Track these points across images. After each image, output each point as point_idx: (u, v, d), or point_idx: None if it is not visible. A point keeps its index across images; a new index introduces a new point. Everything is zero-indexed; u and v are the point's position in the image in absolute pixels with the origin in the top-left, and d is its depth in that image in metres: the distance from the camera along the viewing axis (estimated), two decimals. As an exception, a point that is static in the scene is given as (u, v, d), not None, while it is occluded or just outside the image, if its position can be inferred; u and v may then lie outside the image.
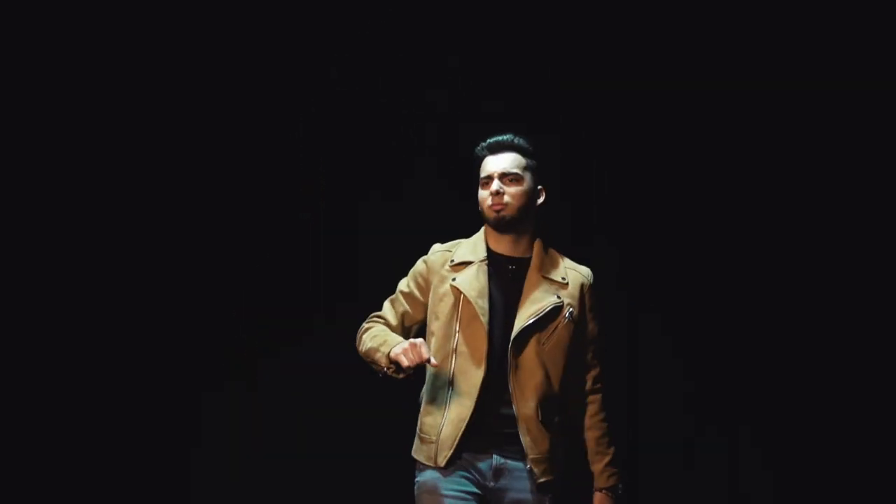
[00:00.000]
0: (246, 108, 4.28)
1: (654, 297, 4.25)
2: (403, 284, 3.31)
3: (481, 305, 3.13)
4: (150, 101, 4.22)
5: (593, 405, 3.27)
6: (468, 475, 3.09)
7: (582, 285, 3.26)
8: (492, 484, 3.10)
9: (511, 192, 3.17)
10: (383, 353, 3.09)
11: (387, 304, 3.31)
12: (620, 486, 3.24)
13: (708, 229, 4.24)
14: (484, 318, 3.11)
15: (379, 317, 3.29)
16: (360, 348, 3.22)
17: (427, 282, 3.24)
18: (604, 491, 3.23)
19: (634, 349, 4.25)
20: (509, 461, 3.10)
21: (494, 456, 3.10)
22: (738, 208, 4.22)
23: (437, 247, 3.31)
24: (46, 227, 4.17)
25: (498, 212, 3.16)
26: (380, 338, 3.15)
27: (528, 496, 3.10)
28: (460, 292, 3.15)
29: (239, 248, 4.28)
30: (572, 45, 4.30)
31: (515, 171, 3.20)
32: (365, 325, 3.27)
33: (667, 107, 4.26)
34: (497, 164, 3.21)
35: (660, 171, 4.28)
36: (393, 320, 3.27)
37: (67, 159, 4.19)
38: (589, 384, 3.27)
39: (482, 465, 3.10)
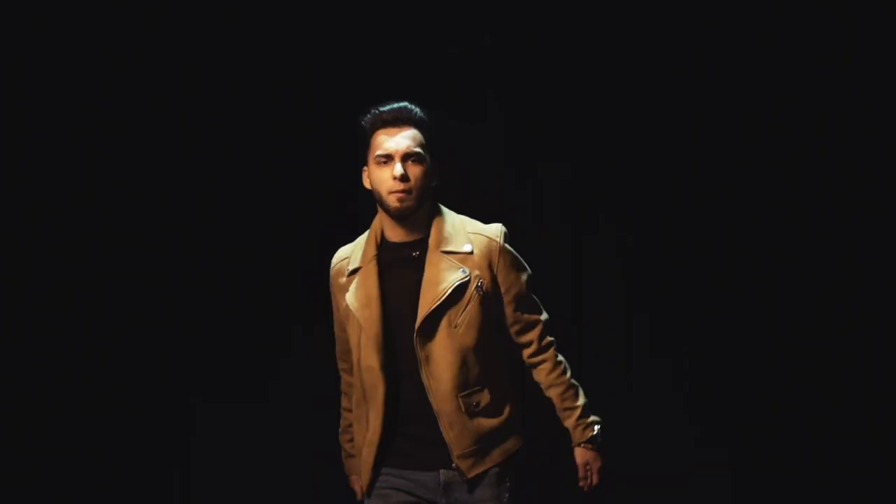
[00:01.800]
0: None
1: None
2: (334, 317, 3.03)
3: (367, 316, 2.86)
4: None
5: (547, 363, 2.96)
6: (412, 499, 2.86)
7: (489, 249, 2.90)
8: (444, 501, 2.85)
9: (415, 175, 2.82)
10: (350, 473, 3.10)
11: (337, 348, 3.08)
12: (598, 436, 2.96)
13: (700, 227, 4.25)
14: (373, 329, 2.85)
15: (343, 371, 3.09)
16: (340, 436, 3.11)
17: (339, 293, 2.95)
18: (582, 445, 2.95)
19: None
20: (457, 471, 2.85)
21: (441, 471, 2.85)
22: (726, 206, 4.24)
23: (337, 256, 3.01)
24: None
25: (402, 201, 2.81)
26: (351, 452, 3.07)
27: (486, 500, 2.85)
28: (352, 307, 2.88)
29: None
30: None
31: (419, 150, 2.83)
32: (342, 406, 3.11)
33: (662, 103, 4.27)
34: (398, 142, 2.82)
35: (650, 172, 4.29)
36: (347, 364, 3.05)
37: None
38: (535, 344, 2.95)
39: (429, 483, 2.86)
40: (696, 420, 4.22)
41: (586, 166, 4.30)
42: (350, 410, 3.03)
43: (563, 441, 3.00)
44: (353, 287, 2.89)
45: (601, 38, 4.26)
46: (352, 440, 3.03)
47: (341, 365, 3.09)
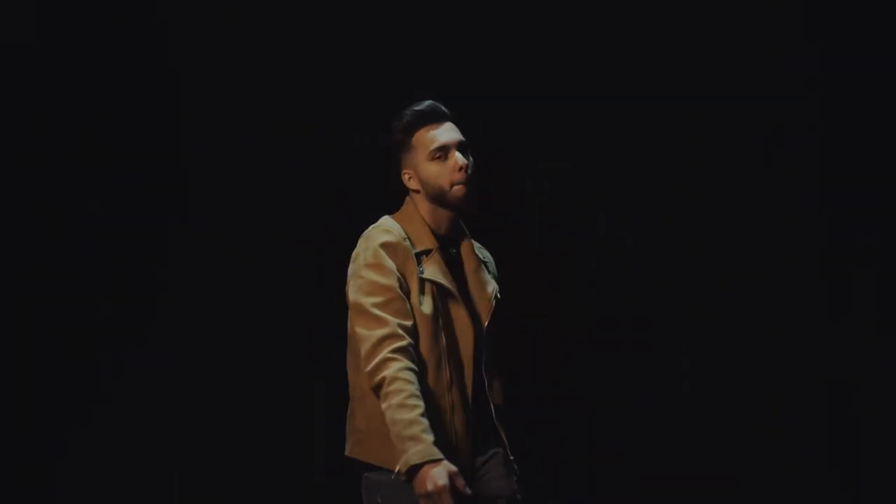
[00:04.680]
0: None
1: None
2: (385, 277, 2.66)
3: (461, 297, 2.74)
4: None
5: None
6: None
7: (494, 268, 2.94)
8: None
9: (471, 165, 2.75)
10: (404, 458, 2.50)
11: (391, 317, 2.62)
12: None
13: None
14: (465, 312, 2.74)
15: (401, 348, 2.60)
16: (387, 409, 2.55)
17: (403, 270, 2.70)
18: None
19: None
20: (477, 457, 2.76)
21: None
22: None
23: (391, 227, 2.75)
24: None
25: (467, 192, 2.73)
26: (412, 420, 2.52)
27: (504, 482, 2.75)
28: (436, 285, 2.72)
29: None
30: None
31: (465, 140, 2.77)
32: (391, 373, 2.56)
33: (662, 102, 4.27)
34: (450, 134, 2.75)
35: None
36: (412, 331, 2.66)
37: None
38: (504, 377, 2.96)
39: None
40: (696, 420, 4.22)
41: (586, 166, 4.30)
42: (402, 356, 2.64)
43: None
44: (433, 266, 2.73)
45: (601, 37, 4.27)
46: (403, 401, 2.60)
47: (409, 333, 2.66)
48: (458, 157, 2.73)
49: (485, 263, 2.89)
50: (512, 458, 2.80)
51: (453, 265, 2.81)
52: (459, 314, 2.75)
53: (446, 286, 2.73)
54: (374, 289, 2.66)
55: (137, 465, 4.20)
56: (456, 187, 2.74)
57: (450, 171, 2.74)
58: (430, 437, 2.51)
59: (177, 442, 4.25)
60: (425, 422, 2.53)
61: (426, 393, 2.65)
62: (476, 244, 2.91)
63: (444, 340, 2.72)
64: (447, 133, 2.76)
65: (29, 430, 4.10)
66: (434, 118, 2.78)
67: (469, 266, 2.83)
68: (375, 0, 4.28)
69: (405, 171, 2.81)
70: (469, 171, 2.74)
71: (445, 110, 2.80)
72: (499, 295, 2.86)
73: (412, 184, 2.80)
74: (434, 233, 2.79)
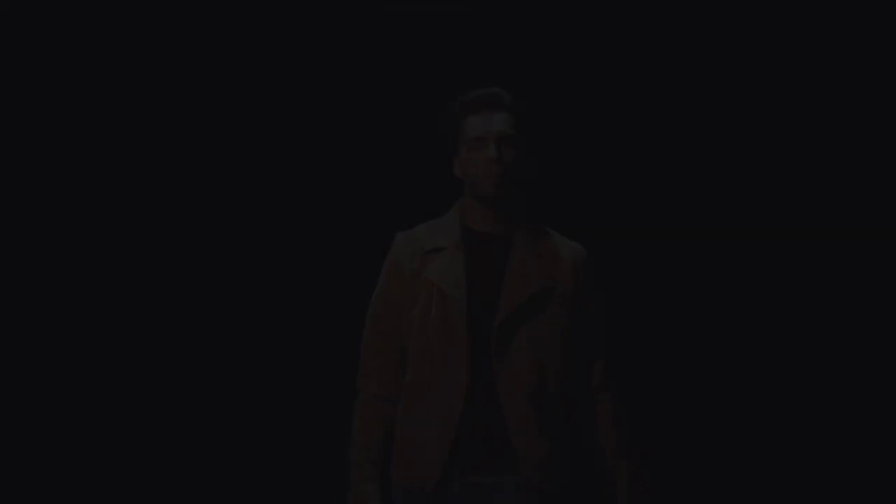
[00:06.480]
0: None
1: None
2: (379, 295, 2.76)
3: (457, 296, 2.62)
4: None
5: (608, 402, 2.73)
6: None
7: (574, 261, 2.74)
8: None
9: (510, 158, 2.64)
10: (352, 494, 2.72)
11: (372, 336, 2.76)
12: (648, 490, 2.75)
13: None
14: (462, 312, 2.62)
15: (363, 374, 2.77)
16: (352, 438, 2.79)
17: (402, 282, 2.72)
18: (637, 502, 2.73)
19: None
20: (489, 478, 2.61)
21: (470, 475, 2.62)
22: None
23: (401, 237, 2.79)
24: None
25: (498, 185, 2.63)
26: (362, 462, 2.72)
27: None
28: (433, 284, 2.66)
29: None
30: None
31: (513, 132, 2.65)
32: (358, 408, 2.78)
33: (662, 103, 4.26)
34: (490, 123, 2.65)
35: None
36: (390, 361, 2.74)
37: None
38: (599, 378, 2.73)
39: (459, 490, 2.62)
40: (695, 422, 4.21)
41: (582, 165, 4.28)
42: (380, 422, 2.74)
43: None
44: (437, 265, 2.68)
45: (600, 37, 4.26)
46: (374, 460, 2.74)
47: (375, 362, 2.76)
48: (491, 150, 2.64)
49: (545, 259, 2.73)
50: (525, 476, 2.62)
51: (486, 260, 2.70)
52: (455, 315, 2.65)
53: (441, 285, 2.65)
54: (372, 307, 2.81)
55: (137, 466, 4.20)
56: (486, 179, 2.66)
57: (482, 162, 2.66)
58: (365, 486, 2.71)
59: (179, 443, 4.25)
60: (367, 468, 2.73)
61: (406, 397, 2.71)
62: (561, 239, 2.79)
63: (434, 344, 2.66)
64: (490, 122, 2.67)
65: (28, 430, 4.11)
66: (486, 105, 2.69)
67: (515, 260, 2.70)
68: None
69: (455, 158, 2.76)
70: (503, 165, 2.64)
71: (506, 98, 2.70)
72: (559, 293, 2.70)
73: (458, 172, 2.75)
74: (466, 227, 2.73)
